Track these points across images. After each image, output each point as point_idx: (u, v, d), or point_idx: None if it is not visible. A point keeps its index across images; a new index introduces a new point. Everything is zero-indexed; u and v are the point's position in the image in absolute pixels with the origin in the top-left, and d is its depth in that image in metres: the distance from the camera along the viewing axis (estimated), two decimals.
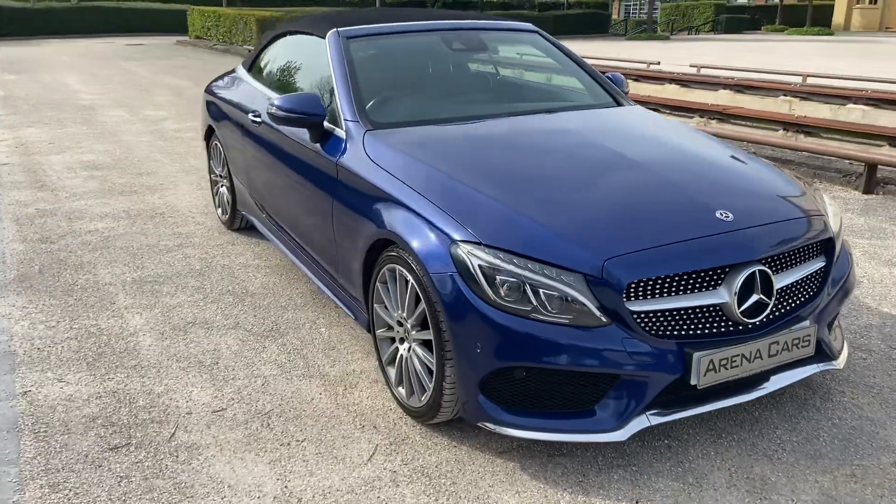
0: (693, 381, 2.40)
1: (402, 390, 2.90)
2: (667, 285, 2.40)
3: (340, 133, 3.33)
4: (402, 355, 2.87)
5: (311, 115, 3.36)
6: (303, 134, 3.53)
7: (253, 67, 4.79)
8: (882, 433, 2.75)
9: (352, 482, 2.50)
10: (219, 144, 5.01)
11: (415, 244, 2.60)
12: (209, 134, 5.30)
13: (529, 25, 4.27)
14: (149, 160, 7.58)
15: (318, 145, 3.42)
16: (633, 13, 60.91)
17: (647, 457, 2.60)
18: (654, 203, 2.65)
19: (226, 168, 4.95)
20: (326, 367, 3.30)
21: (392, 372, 2.97)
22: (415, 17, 4.05)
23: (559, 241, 2.42)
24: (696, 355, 2.37)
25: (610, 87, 3.99)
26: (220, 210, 5.34)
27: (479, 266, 2.42)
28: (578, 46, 33.19)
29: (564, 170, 2.92)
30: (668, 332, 2.40)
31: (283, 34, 4.51)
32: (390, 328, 2.94)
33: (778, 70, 15.15)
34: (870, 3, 53.76)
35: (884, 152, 6.66)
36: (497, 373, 2.42)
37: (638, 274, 2.35)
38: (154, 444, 2.72)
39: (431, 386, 2.65)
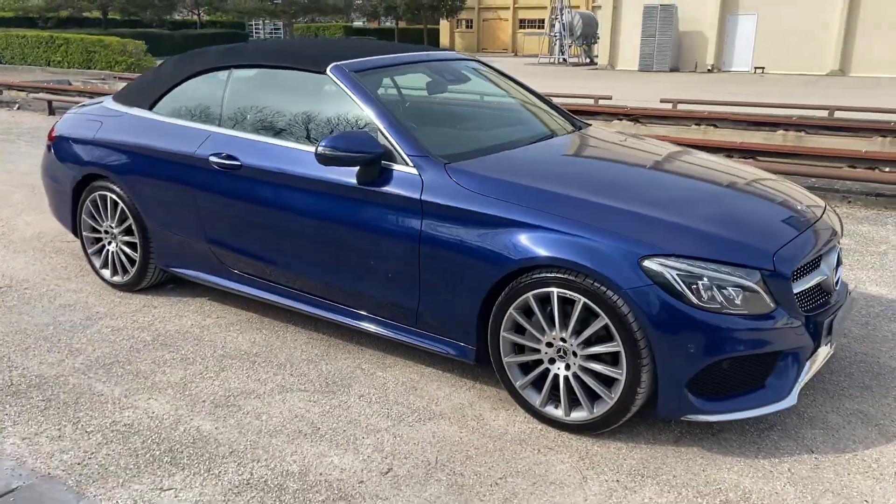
0: (825, 343, 2.99)
1: (553, 409, 3.04)
2: (804, 269, 2.95)
3: (407, 170, 3.28)
4: (556, 374, 3.00)
5: (371, 153, 3.26)
6: (339, 175, 3.38)
7: (163, 105, 4.25)
8: None
9: (594, 500, 2.62)
10: (114, 195, 4.35)
11: (593, 265, 2.78)
12: (81, 185, 4.55)
13: (463, 54, 4.51)
14: None
15: (375, 187, 3.31)
16: (271, 34, 61.36)
17: (779, 417, 3.13)
18: (749, 205, 3.19)
19: (128, 221, 4.33)
20: (433, 406, 3.25)
21: (533, 394, 3.08)
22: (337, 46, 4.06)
23: (728, 243, 2.82)
24: (825, 322, 2.97)
25: (562, 111, 4.43)
26: (107, 271, 4.61)
27: (678, 275, 2.72)
28: None
29: (652, 181, 3.31)
30: (806, 308, 2.95)
31: (216, 69, 4.10)
32: (524, 352, 3.06)
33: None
34: (466, 28, 61.60)
35: None
36: (706, 368, 2.74)
37: (794, 263, 2.86)
38: None
39: (615, 396, 2.85)
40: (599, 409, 2.91)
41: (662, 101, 14.87)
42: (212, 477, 2.75)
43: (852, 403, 3.24)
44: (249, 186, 3.73)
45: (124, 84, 16.70)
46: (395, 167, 3.31)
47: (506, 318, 3.05)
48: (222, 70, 4.08)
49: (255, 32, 59.76)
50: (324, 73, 3.67)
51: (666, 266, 2.73)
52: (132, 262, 4.46)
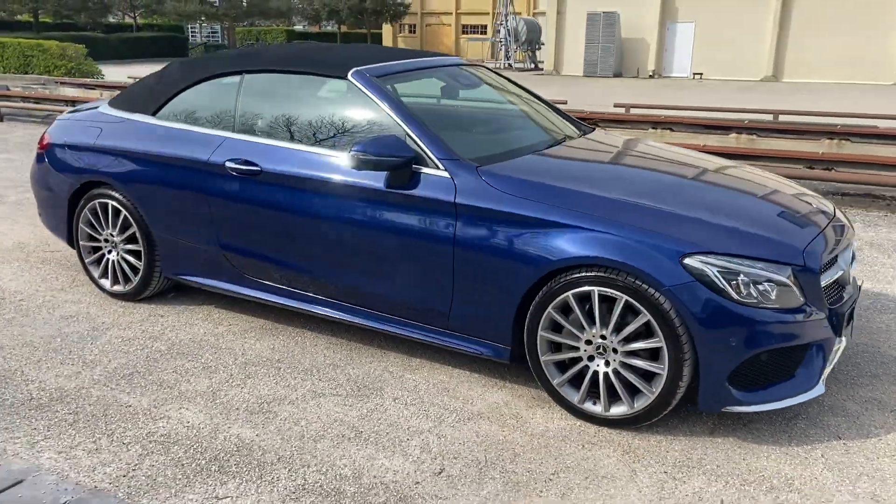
0: (846, 334, 3.15)
1: (591, 405, 3.12)
2: (827, 265, 3.11)
3: (438, 173, 3.32)
4: (596, 371, 3.08)
5: (402, 157, 3.29)
6: (367, 179, 3.41)
7: (168, 111, 4.19)
8: None
9: (648, 492, 2.70)
10: (116, 203, 4.26)
11: (637, 263, 2.87)
12: (79, 194, 4.44)
13: (467, 60, 4.58)
14: None
15: (406, 190, 3.34)
16: (208, 38, 60.30)
17: (802, 406, 3.26)
18: (771, 204, 3.33)
19: (131, 229, 4.26)
20: (469, 407, 3.30)
21: (571, 391, 3.16)
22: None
23: (761, 240, 2.95)
24: (845, 314, 3.13)
25: (566, 116, 4.53)
26: (107, 281, 4.50)
27: (718, 271, 2.83)
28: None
29: (677, 183, 3.43)
30: (829, 301, 3.10)
31: (226, 74, 4.06)
32: (560, 350, 3.15)
33: None
34: (409, 32, 61.79)
35: None
36: (745, 361, 2.86)
37: (821, 258, 3.01)
38: None
39: (656, 390, 2.95)
40: (640, 404, 3.01)
41: (616, 105, 15.20)
42: (265, 484, 2.74)
43: (865, 392, 3.42)
44: (270, 192, 3.71)
45: (69, 88, 16.21)
46: (426, 171, 3.35)
47: (544, 317, 3.12)
48: (233, 75, 4.04)
49: (192, 36, 58.67)
50: (345, 78, 3.68)
51: (707, 263, 2.84)
52: (135, 270, 4.38)
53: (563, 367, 3.20)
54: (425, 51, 4.47)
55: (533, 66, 38.84)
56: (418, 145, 3.39)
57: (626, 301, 2.92)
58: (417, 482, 2.76)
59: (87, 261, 4.55)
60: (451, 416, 3.22)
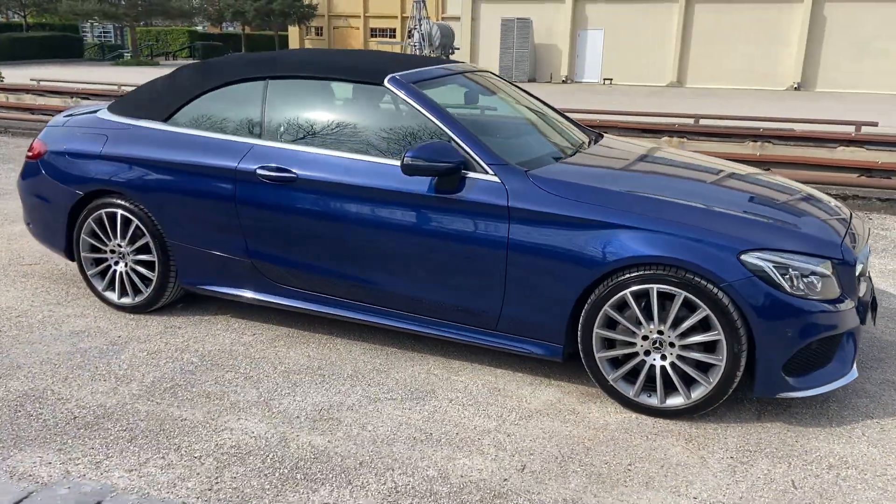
0: (868, 321, 3.43)
1: (647, 398, 3.28)
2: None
3: (488, 178, 3.41)
4: (652, 365, 3.24)
5: (453, 162, 3.37)
6: (413, 185, 3.48)
7: (182, 117, 4.09)
8: None
9: (722, 476, 2.88)
10: (126, 212, 4.12)
11: (697, 261, 3.05)
12: (81, 204, 4.28)
13: (477, 67, 4.68)
14: None
15: (454, 195, 3.41)
16: (100, 37, 57.77)
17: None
18: (803, 204, 3.59)
19: (144, 239, 4.14)
20: (526, 405, 3.39)
21: (626, 385, 3.31)
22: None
23: (806, 236, 3.19)
24: (868, 303, 3.41)
25: (575, 122, 4.70)
26: (113, 293, 4.34)
27: (774, 266, 3.04)
28: (63, 72, 30.64)
29: (713, 185, 3.63)
30: (858, 294, 3.38)
31: (247, 80, 4.00)
32: (614, 347, 3.30)
33: None
34: (316, 35, 61.24)
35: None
36: (800, 350, 3.08)
37: (854, 252, 3.28)
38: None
39: (713, 380, 3.14)
40: (697, 394, 3.18)
41: None
42: (357, 489, 2.75)
43: (877, 374, 3.72)
44: (307, 199, 3.69)
45: None
46: (474, 175, 3.43)
47: (600, 315, 3.25)
48: (256, 81, 3.99)
49: (84, 35, 56.08)
50: (381, 84, 3.71)
51: (763, 259, 3.05)
52: (146, 281, 4.24)
53: (615, 362, 3.34)
54: (438, 57, 4.53)
55: None
56: (465, 151, 3.46)
57: (685, 297, 3.09)
58: (505, 479, 2.83)
59: (89, 273, 4.37)
60: (511, 414, 3.31)
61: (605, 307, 3.23)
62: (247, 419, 3.22)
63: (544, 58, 34.08)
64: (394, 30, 59.07)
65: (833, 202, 3.82)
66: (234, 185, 3.84)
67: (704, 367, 3.18)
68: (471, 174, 3.44)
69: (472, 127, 3.69)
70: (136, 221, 4.13)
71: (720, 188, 3.63)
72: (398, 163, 3.55)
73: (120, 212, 4.15)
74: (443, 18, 48.52)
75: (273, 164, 3.76)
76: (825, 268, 3.13)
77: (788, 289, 3.04)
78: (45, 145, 4.40)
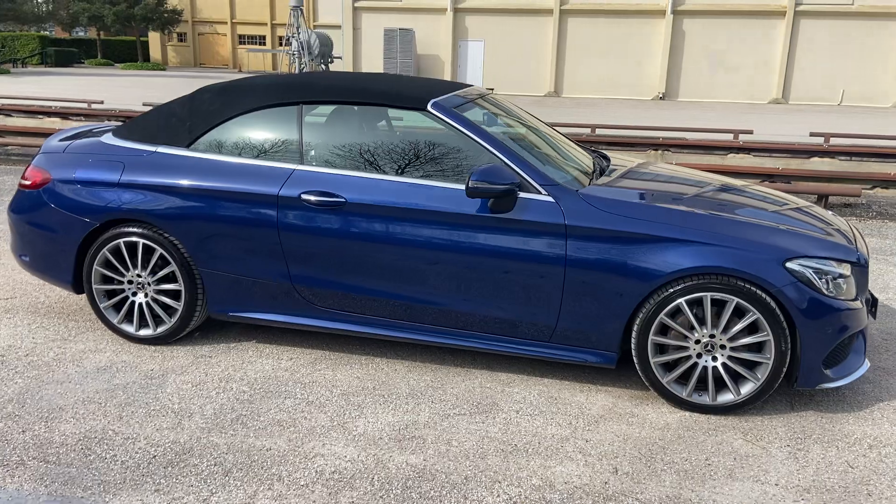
0: (870, 317, 3.91)
1: (698, 397, 3.58)
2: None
3: (542, 198, 3.60)
4: (705, 367, 3.55)
5: (511, 184, 3.54)
6: (465, 207, 3.63)
7: (206, 143, 4.01)
8: None
9: (788, 463, 3.21)
10: (148, 241, 4.00)
11: (748, 269, 3.38)
12: (95, 234, 4.11)
13: (482, 88, 4.86)
14: None
15: (509, 215, 3.58)
16: None
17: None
18: (817, 216, 4.00)
19: (169, 268, 4.03)
20: (588, 412, 3.60)
21: (678, 387, 3.60)
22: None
23: (831, 244, 3.59)
24: (872, 301, 3.88)
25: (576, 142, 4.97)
26: (130, 326, 4.18)
27: (814, 272, 3.43)
28: None
29: (744, 201, 3.98)
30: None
31: (279, 105, 3.98)
32: (666, 351, 3.57)
33: None
34: (179, 41, 59.09)
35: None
36: (836, 346, 3.48)
37: (865, 256, 3.72)
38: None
39: (762, 377, 3.48)
40: (746, 390, 3.52)
41: None
42: (474, 502, 2.86)
43: (878, 362, 4.22)
44: (357, 222, 3.74)
45: None
46: (527, 195, 3.62)
47: (655, 322, 3.52)
48: (289, 106, 3.99)
49: None
50: (424, 109, 3.82)
51: (804, 266, 3.42)
52: (168, 311, 4.12)
53: (667, 366, 3.62)
54: (453, 81, 4.67)
55: None
56: (517, 172, 3.65)
57: (737, 303, 3.42)
58: (605, 482, 3.03)
59: (102, 306, 4.18)
60: (579, 421, 3.51)
61: (661, 315, 3.51)
62: (332, 444, 3.24)
63: (427, 68, 34.59)
64: (263, 37, 57.92)
65: (829, 211, 4.29)
66: (275, 211, 3.82)
67: (751, 365, 3.52)
68: (523, 194, 3.62)
69: (517, 149, 3.87)
70: (159, 250, 4.01)
71: (745, 202, 3.99)
72: (450, 185, 3.68)
73: (141, 241, 4.01)
74: (316, 26, 48.11)
75: (318, 189, 3.78)
76: (846, 270, 3.55)
77: (825, 291, 3.43)
78: (46, 173, 4.17)
